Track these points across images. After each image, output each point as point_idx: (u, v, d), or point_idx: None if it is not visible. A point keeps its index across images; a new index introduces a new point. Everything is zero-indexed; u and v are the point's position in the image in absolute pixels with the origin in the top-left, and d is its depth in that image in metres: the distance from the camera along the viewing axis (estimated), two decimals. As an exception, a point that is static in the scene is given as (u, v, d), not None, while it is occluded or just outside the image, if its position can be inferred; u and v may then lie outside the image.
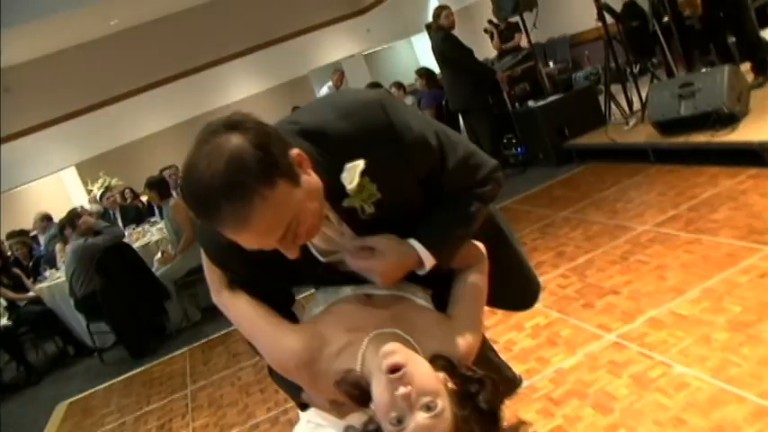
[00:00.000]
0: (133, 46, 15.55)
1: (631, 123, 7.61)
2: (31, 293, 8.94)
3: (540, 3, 8.59)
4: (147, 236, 8.96)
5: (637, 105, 7.90)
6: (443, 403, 1.55)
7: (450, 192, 1.91)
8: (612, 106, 8.18)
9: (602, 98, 8.33)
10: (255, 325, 1.87)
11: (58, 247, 9.01)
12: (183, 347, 6.98)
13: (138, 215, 11.26)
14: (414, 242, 1.85)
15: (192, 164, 1.50)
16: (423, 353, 1.69)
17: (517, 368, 3.27)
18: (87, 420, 6.05)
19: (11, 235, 11.21)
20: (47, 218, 10.81)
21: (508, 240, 2.45)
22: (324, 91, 13.60)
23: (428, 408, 1.52)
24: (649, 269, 4.47)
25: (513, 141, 8.98)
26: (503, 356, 3.31)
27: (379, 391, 1.57)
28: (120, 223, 10.63)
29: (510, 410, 3.35)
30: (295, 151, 1.57)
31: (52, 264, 9.31)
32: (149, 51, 15.74)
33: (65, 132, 15.55)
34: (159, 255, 8.03)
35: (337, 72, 13.37)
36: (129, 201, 12.31)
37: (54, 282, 8.44)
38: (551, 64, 12.16)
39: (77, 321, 8.11)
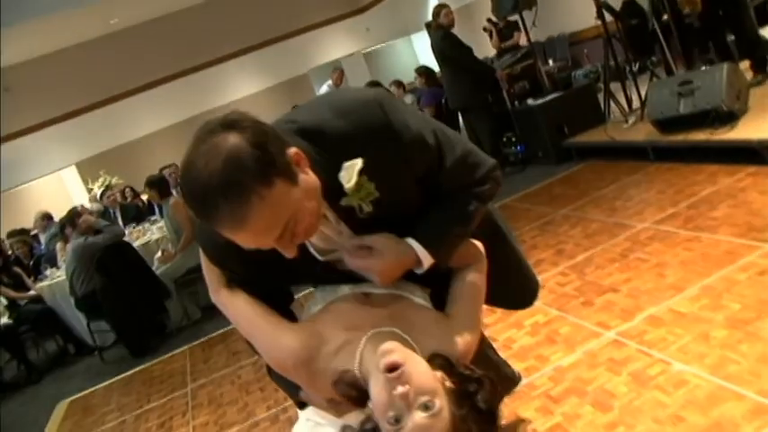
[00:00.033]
0: (133, 45, 15.54)
1: (631, 121, 7.61)
2: (31, 292, 8.95)
3: (540, 1, 8.60)
4: (147, 234, 8.97)
5: (636, 103, 7.90)
6: (441, 402, 1.55)
7: (448, 190, 1.91)
8: (612, 104, 8.19)
9: (601, 96, 8.34)
10: (254, 324, 1.88)
11: (58, 245, 9.02)
12: (183, 346, 6.99)
13: (138, 214, 11.26)
14: (412, 241, 1.85)
15: (190, 163, 1.50)
16: (421, 352, 1.69)
17: (516, 366, 3.27)
18: (88, 419, 6.05)
19: (12, 234, 11.23)
20: (47, 217, 10.82)
21: (507, 239, 2.45)
22: (323, 90, 13.60)
23: (426, 407, 1.52)
24: (648, 267, 4.47)
25: (513, 140, 8.98)
26: (502, 354, 3.31)
27: (376, 390, 1.57)
28: (121, 222, 10.63)
29: (509, 408, 3.36)
30: (293, 150, 1.57)
31: (53, 263, 9.32)
32: (149, 50, 15.73)
33: (65, 131, 15.55)
34: (159, 253, 8.03)
35: (337, 71, 13.37)
36: (129, 199, 12.31)
37: (54, 280, 8.45)
38: (551, 62, 12.17)
39: (78, 320, 8.13)
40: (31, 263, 10.26)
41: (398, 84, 11.90)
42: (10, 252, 10.53)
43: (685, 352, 3.37)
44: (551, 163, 8.27)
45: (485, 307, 2.16)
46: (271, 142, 1.52)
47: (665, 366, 3.32)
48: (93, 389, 6.84)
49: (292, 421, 2.12)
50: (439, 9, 8.61)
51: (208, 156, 1.47)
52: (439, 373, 1.63)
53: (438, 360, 1.68)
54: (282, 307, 2.00)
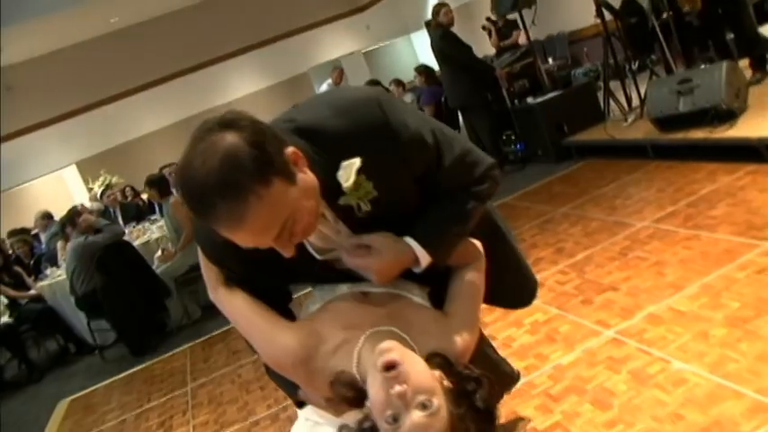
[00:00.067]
0: (133, 44, 15.54)
1: (630, 120, 7.61)
2: (32, 291, 8.95)
3: (539, 0, 8.60)
4: (147, 234, 8.97)
5: (636, 102, 7.89)
6: (439, 401, 1.55)
7: (446, 190, 1.91)
8: (611, 103, 8.19)
9: (600, 95, 8.35)
10: (252, 322, 1.88)
11: (59, 244, 9.03)
12: (183, 345, 7.00)
13: (138, 213, 11.26)
14: (409, 240, 1.85)
15: (188, 162, 1.50)
16: (419, 351, 1.70)
17: (516, 364, 3.26)
18: (88, 418, 6.06)
19: (12, 233, 11.24)
20: (48, 216, 10.82)
21: (505, 238, 2.45)
22: (323, 88, 13.57)
23: (424, 406, 1.52)
24: (648, 265, 4.48)
25: (513, 138, 8.98)
26: (502, 353, 3.31)
27: (374, 388, 1.57)
28: (121, 221, 10.63)
29: (509, 407, 3.37)
30: (291, 149, 1.57)
31: (53, 262, 9.33)
32: (150, 49, 15.73)
33: (65, 131, 15.57)
34: (159, 252, 8.04)
35: (337, 69, 13.36)
36: (129, 199, 12.32)
37: (55, 280, 8.45)
38: (550, 61, 12.16)
39: (78, 319, 8.13)
40: (32, 262, 10.27)
41: (398, 82, 11.91)
42: (10, 251, 10.55)
43: (684, 350, 3.37)
44: (551, 161, 8.28)
45: (484, 306, 2.17)
46: (268, 141, 1.52)
47: (665, 365, 3.32)
48: (93, 388, 6.84)
49: (292, 420, 2.12)
50: (438, 8, 8.61)
51: (205, 155, 1.47)
52: (437, 372, 1.63)
53: (436, 359, 1.68)
54: (281, 306, 1.99)
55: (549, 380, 3.61)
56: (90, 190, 14.22)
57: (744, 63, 7.08)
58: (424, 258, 1.86)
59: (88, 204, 12.10)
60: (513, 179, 8.17)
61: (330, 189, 1.69)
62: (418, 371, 1.57)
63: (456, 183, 1.92)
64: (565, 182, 7.39)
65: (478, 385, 1.65)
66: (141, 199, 12.18)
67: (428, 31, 9.19)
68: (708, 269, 4.09)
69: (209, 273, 1.97)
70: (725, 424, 2.77)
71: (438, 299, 1.97)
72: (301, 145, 1.64)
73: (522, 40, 9.94)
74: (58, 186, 16.56)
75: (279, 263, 1.68)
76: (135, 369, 6.88)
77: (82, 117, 15.69)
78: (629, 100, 8.09)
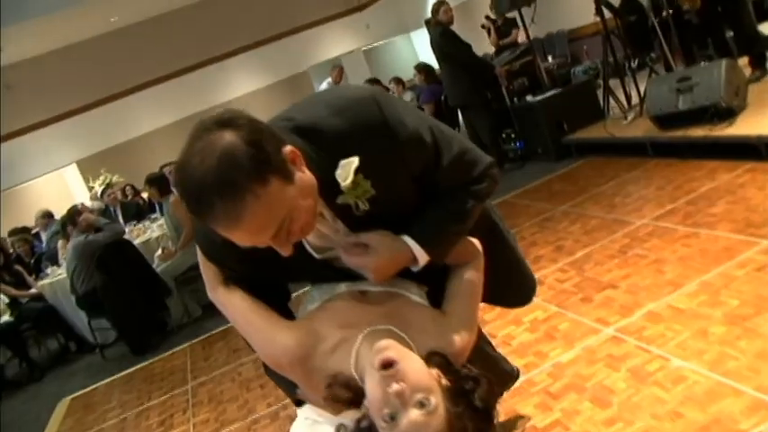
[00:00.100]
0: (133, 43, 15.53)
1: (630, 118, 7.61)
2: (32, 290, 8.96)
3: (539, -2, 8.60)
4: (147, 232, 8.97)
5: (635, 100, 7.89)
6: (437, 400, 1.55)
7: (445, 188, 1.91)
8: (611, 101, 8.19)
9: (600, 93, 8.35)
10: (250, 321, 1.88)
11: (60, 243, 9.04)
12: (183, 343, 7.01)
13: (138, 212, 11.26)
14: (407, 239, 1.85)
15: (185, 161, 1.50)
16: (417, 349, 1.70)
17: (515, 362, 3.27)
18: (89, 416, 6.07)
19: (13, 232, 11.27)
20: (48, 215, 10.84)
21: (504, 237, 2.45)
22: (323, 87, 13.56)
23: (421, 404, 1.53)
24: (647, 263, 4.48)
25: (512, 136, 8.98)
26: (501, 351, 3.32)
27: (372, 387, 1.58)
28: (121, 220, 10.64)
29: (508, 405, 3.37)
30: (288, 148, 1.56)
31: (54, 261, 9.34)
32: (150, 48, 15.72)
33: (66, 130, 15.56)
34: (160, 251, 8.04)
35: (336, 68, 13.33)
36: (129, 197, 12.31)
37: (56, 278, 8.46)
38: (550, 59, 12.14)
39: (79, 318, 8.14)
40: (33, 261, 10.29)
41: (398, 81, 11.92)
42: (11, 250, 10.55)
43: (684, 348, 3.37)
44: (551, 159, 8.28)
45: (483, 304, 2.17)
46: (266, 140, 1.52)
47: (664, 362, 3.32)
48: (94, 386, 6.86)
49: (292, 418, 2.12)
50: (438, 6, 8.60)
51: (203, 154, 1.47)
52: (435, 371, 1.63)
53: (435, 358, 1.69)
54: (280, 304, 2.00)
55: (549, 378, 3.61)
56: (90, 189, 14.22)
57: (743, 61, 7.08)
58: (422, 257, 1.86)
59: (88, 203, 12.10)
60: (513, 177, 8.17)
61: (328, 188, 1.69)
62: (416, 369, 1.58)
63: (454, 181, 1.91)
64: (564, 180, 7.40)
65: (477, 384, 1.66)
66: (141, 198, 12.17)
67: (428, 30, 9.18)
68: (707, 267, 4.09)
69: (207, 272, 1.98)
70: (724, 421, 2.77)
71: (436, 297, 1.97)
72: (299, 144, 1.64)
73: (521, 38, 9.95)
74: (59, 185, 16.57)
75: (277, 262, 1.68)
76: (135, 367, 6.89)
77: (82, 116, 15.68)
78: (628, 98, 8.09)
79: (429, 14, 9.08)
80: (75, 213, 7.70)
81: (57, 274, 8.56)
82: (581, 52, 12.35)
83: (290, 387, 1.95)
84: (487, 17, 10.62)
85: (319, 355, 1.75)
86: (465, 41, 8.65)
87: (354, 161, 1.68)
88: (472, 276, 2.00)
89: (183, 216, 7.56)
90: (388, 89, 11.41)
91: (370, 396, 1.59)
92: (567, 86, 8.74)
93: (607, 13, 7.85)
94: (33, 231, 11.95)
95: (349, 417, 1.67)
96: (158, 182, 8.13)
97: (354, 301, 1.86)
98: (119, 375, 6.87)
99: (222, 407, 5.04)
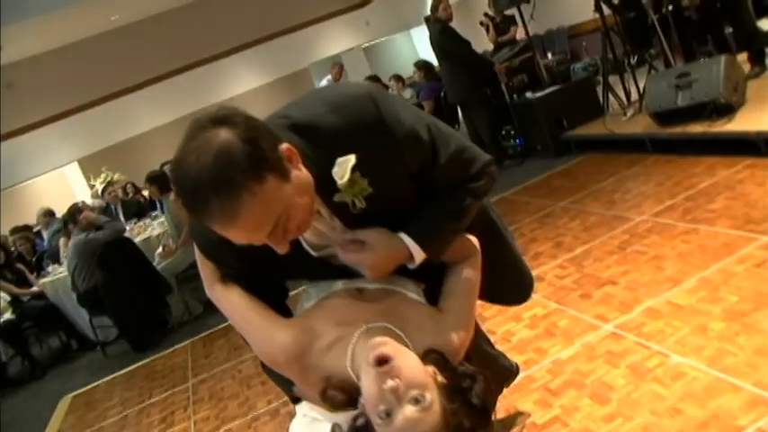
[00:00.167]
0: (134, 41, 15.51)
1: (629, 114, 7.61)
2: (34, 288, 8.99)
3: (539, -5, 8.60)
4: (148, 230, 8.99)
5: (634, 96, 7.88)
6: (432, 396, 1.56)
7: (442, 186, 1.91)
8: (610, 97, 8.18)
9: (599, 89, 8.35)
10: (247, 319, 1.88)
11: (61, 241, 9.06)
12: (184, 341, 7.02)
13: (139, 210, 11.29)
14: (404, 236, 1.85)
15: (182, 158, 1.50)
16: (414, 347, 1.70)
17: (515, 359, 3.27)
18: (90, 414, 6.08)
19: (14, 230, 11.28)
20: (49, 213, 10.86)
21: (502, 235, 2.44)
22: (323, 84, 13.58)
23: (416, 401, 1.54)
24: (646, 259, 4.49)
25: (512, 133, 8.98)
26: (501, 347, 3.32)
27: (367, 384, 1.59)
28: (122, 218, 10.66)
29: (508, 401, 3.38)
30: (284, 146, 1.56)
31: (55, 259, 9.36)
32: (150, 47, 15.70)
33: (67, 128, 15.56)
34: (160, 249, 8.06)
35: (336, 65, 13.35)
36: (130, 196, 12.31)
37: (57, 276, 8.48)
38: (549, 55, 12.15)
39: (80, 316, 8.16)
40: (34, 259, 10.32)
41: (398, 78, 11.94)
42: (13, 248, 10.57)
43: (683, 344, 3.38)
44: (550, 156, 8.28)
45: (483, 301, 2.18)
46: (262, 138, 1.52)
47: (663, 359, 3.33)
48: (95, 384, 6.87)
49: (292, 415, 2.13)
50: (437, 3, 8.59)
51: (199, 151, 1.47)
52: (431, 368, 1.64)
53: (432, 355, 1.69)
54: (277, 302, 2.00)
55: (548, 374, 3.62)
56: (91, 187, 14.24)
57: (742, 57, 7.07)
58: (419, 254, 1.86)
59: (89, 201, 12.12)
60: (513, 174, 8.18)
61: (325, 185, 1.69)
62: (411, 366, 1.58)
63: (452, 179, 1.91)
64: (564, 176, 7.40)
65: (474, 381, 1.66)
66: (142, 196, 12.18)
67: (427, 27, 9.18)
68: (706, 263, 4.10)
69: (205, 269, 1.98)
70: (723, 417, 2.78)
71: (434, 295, 1.98)
72: (296, 141, 1.64)
73: (519, 35, 9.95)
74: (60, 184, 16.58)
75: (274, 259, 1.67)
76: (136, 365, 6.91)
77: (83, 114, 15.67)
78: (627, 94, 8.08)
79: (429, 12, 9.07)
80: (75, 212, 7.71)
81: (58, 272, 8.58)
82: (580, 49, 12.37)
83: (286, 384, 1.95)
84: (486, 14, 10.61)
85: (316, 353, 1.76)
86: (464, 38, 8.65)
87: (351, 159, 1.68)
88: (469, 274, 2.00)
89: (184, 214, 7.55)
90: (387, 86, 11.43)
91: (365, 393, 1.60)
92: (566, 83, 8.74)
93: (606, 10, 7.84)
94: (35, 230, 11.99)
95: (346, 416, 1.68)
96: (159, 180, 8.13)
97: (351, 298, 1.87)
98: (120, 373, 6.88)
99: (223, 404, 5.05)
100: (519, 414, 3.34)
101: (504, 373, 2.98)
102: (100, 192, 12.87)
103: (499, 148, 8.73)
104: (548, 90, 8.50)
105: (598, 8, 7.77)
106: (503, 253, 2.40)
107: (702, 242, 4.39)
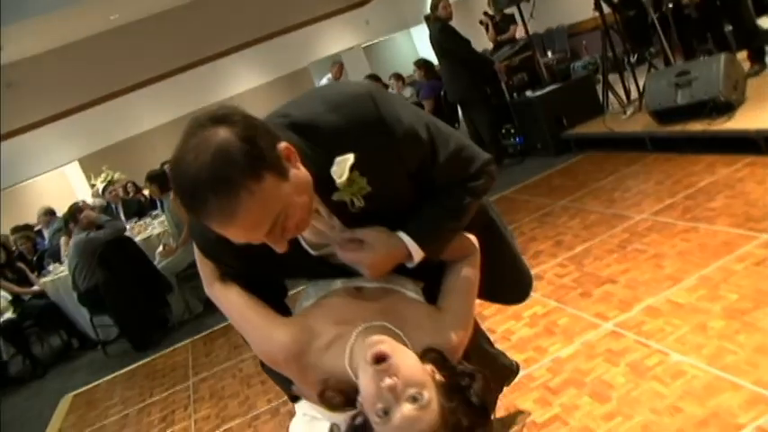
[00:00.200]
0: (134, 41, 15.52)
1: (629, 112, 7.61)
2: (35, 287, 9.00)
3: (539, -7, 8.60)
4: (148, 229, 8.99)
5: (634, 94, 7.89)
6: (430, 394, 1.56)
7: (441, 185, 1.90)
8: (610, 95, 8.19)
9: (599, 88, 8.36)
10: (246, 318, 1.89)
11: (62, 240, 9.05)
12: (185, 339, 7.02)
13: (140, 209, 11.30)
14: (402, 235, 1.85)
15: (180, 157, 1.50)
16: (413, 345, 1.70)
17: (515, 357, 3.27)
18: (91, 412, 6.09)
19: (15, 230, 11.30)
20: (50, 212, 10.87)
21: (501, 234, 2.44)
22: (323, 83, 13.59)
23: (414, 399, 1.54)
24: (646, 258, 4.49)
25: (512, 131, 8.97)
26: (500, 346, 3.33)
27: (365, 382, 1.59)
28: (123, 217, 10.67)
29: (507, 400, 3.38)
30: (283, 145, 1.56)
31: (56, 258, 9.36)
32: (150, 46, 15.71)
33: (67, 127, 15.58)
34: (161, 248, 8.06)
35: (336, 64, 13.34)
36: (131, 195, 12.33)
37: (58, 276, 8.48)
38: (549, 54, 12.15)
39: (81, 315, 8.17)
40: (35, 258, 10.32)
41: (398, 77, 11.94)
42: (14, 248, 10.58)
43: (683, 342, 3.38)
44: (550, 154, 8.28)
45: (482, 300, 2.18)
46: (260, 136, 1.52)
47: (663, 357, 3.33)
48: (96, 383, 6.88)
49: (293, 414, 2.13)
50: (437, 2, 8.58)
51: (197, 150, 1.47)
52: (429, 367, 1.64)
53: (431, 354, 1.69)
54: (276, 301, 2.01)
55: (548, 373, 3.62)
56: (92, 186, 14.26)
57: (742, 55, 7.07)
58: (417, 253, 1.86)
59: (90, 201, 12.13)
60: (513, 172, 8.18)
61: (324, 184, 1.69)
62: (408, 364, 1.58)
63: (451, 178, 1.91)
64: (564, 175, 7.40)
65: (472, 380, 1.66)
66: (143, 195, 12.18)
67: (427, 26, 9.19)
68: (706, 261, 4.10)
69: (204, 268, 1.98)
70: (723, 416, 2.78)
71: (432, 293, 1.98)
72: (295, 140, 1.64)
73: (519, 34, 9.95)
74: (61, 183, 16.59)
75: (273, 258, 1.68)
76: (137, 364, 6.91)
77: (83, 114, 15.69)
78: (627, 93, 8.09)
79: (428, 10, 9.08)
80: (76, 211, 7.71)
81: (59, 272, 8.58)
82: (580, 47, 12.37)
83: (285, 383, 1.95)
84: (486, 13, 10.62)
85: (314, 352, 1.76)
86: (464, 37, 8.65)
87: (350, 158, 1.68)
88: (468, 273, 2.00)
89: (184, 213, 7.52)
90: (387, 85, 11.43)
91: (363, 391, 1.60)
92: (566, 81, 8.72)
93: (606, 8, 7.85)
94: (36, 229, 12.00)
95: (344, 416, 1.69)
96: (159, 179, 8.13)
97: (350, 297, 1.87)
98: (121, 372, 6.89)
99: (223, 403, 5.05)
100: (519, 413, 3.34)
101: (504, 371, 2.98)
102: (100, 191, 12.88)
103: (499, 146, 8.73)
104: (547, 89, 8.50)
105: (598, 6, 7.78)
106: (502, 252, 2.40)
107: (702, 240, 4.39)
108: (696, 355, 3.23)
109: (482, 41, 11.12)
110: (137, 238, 8.34)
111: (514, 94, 8.99)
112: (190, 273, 7.67)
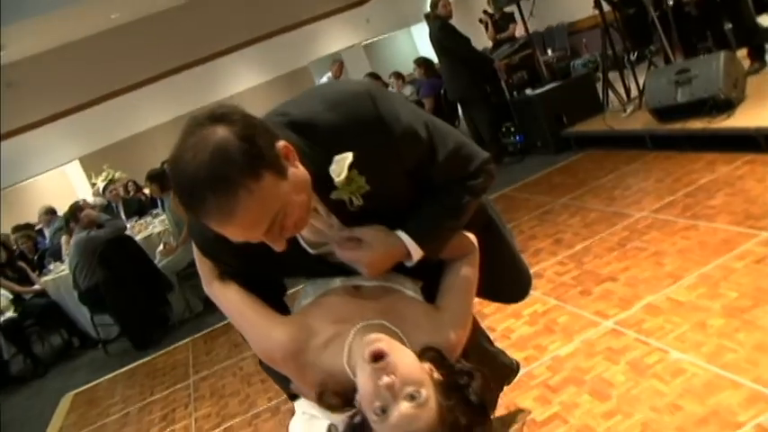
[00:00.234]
0: (134, 40, 15.51)
1: (629, 110, 7.60)
2: (36, 286, 9.00)
3: (539, -8, 8.60)
4: (149, 228, 8.99)
5: (634, 92, 7.89)
6: (428, 393, 1.56)
7: (440, 184, 1.90)
8: (610, 93, 8.19)
9: (599, 86, 8.35)
10: (244, 316, 1.89)
11: (63, 239, 9.06)
12: (185, 338, 7.03)
13: (140, 208, 11.30)
14: (401, 233, 1.85)
15: (178, 156, 1.50)
16: (411, 344, 1.70)
17: (515, 356, 3.26)
18: (92, 411, 6.09)
19: (16, 229, 11.30)
20: (51, 211, 10.88)
21: (500, 232, 2.43)
22: (323, 81, 13.58)
23: (412, 397, 1.54)
24: (646, 255, 4.48)
25: (512, 130, 8.97)
26: (500, 344, 3.33)
27: (363, 380, 1.59)
28: (123, 216, 10.66)
29: (507, 398, 3.37)
30: (282, 143, 1.56)
31: (57, 257, 9.37)
32: (151, 45, 15.71)
33: (68, 127, 15.59)
34: (161, 247, 8.07)
35: (337, 63, 13.33)
36: (131, 194, 12.33)
37: (59, 274, 8.49)
38: (549, 52, 12.15)
39: (82, 313, 8.17)
40: (36, 257, 10.33)
41: (398, 75, 11.93)
42: (15, 247, 10.58)
43: (683, 340, 3.37)
44: (550, 152, 8.27)
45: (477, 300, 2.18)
46: (259, 135, 1.52)
47: (663, 355, 3.32)
48: (97, 381, 6.88)
49: (293, 412, 2.13)
50: (437, 0, 8.61)
51: (196, 148, 1.47)
52: (427, 365, 1.64)
53: (429, 353, 1.69)
54: (275, 299, 2.01)
55: (548, 371, 3.61)
56: (93, 185, 14.26)
57: (742, 53, 7.07)
58: (416, 252, 1.86)
59: (91, 200, 12.14)
60: (513, 171, 8.18)
61: (322, 183, 1.69)
62: (406, 363, 1.58)
63: (450, 177, 1.91)
64: (564, 173, 7.40)
65: (471, 378, 1.66)
66: (143, 194, 12.18)
67: (427, 24, 9.18)
68: (706, 259, 4.09)
69: (203, 267, 1.98)
70: (723, 414, 2.77)
71: (431, 292, 1.97)
72: (293, 139, 1.64)
73: (518, 32, 9.94)
74: (62, 182, 16.59)
75: (271, 257, 1.67)
76: (138, 363, 6.92)
77: (84, 113, 15.70)
78: (627, 91, 8.09)
79: (428, 9, 9.07)
80: (77, 210, 7.72)
81: (60, 271, 8.58)
82: (580, 45, 12.35)
83: (284, 381, 1.96)
84: (485, 11, 10.62)
85: (312, 350, 1.76)
86: (464, 35, 8.65)
87: (348, 157, 1.68)
88: (467, 271, 2.00)
89: (184, 212, 7.56)
90: (387, 84, 11.43)
91: (361, 390, 1.60)
92: (566, 80, 8.72)
93: (606, 6, 7.85)
94: (36, 228, 12.00)
95: (343, 416, 1.69)
96: (159, 178, 8.13)
97: (348, 296, 1.87)
98: (121, 370, 6.89)
99: (224, 401, 5.05)
100: (519, 411, 3.33)
101: (504, 370, 2.98)
102: (101, 190, 12.89)
103: (499, 144, 8.73)
104: (547, 87, 8.50)
105: (598, 5, 7.78)
106: (501, 251, 2.40)
107: (702, 238, 4.39)
108: (696, 353, 3.23)
109: (482, 40, 11.12)
110: (137, 237, 8.34)
111: (514, 93, 8.99)
112: (190, 271, 7.66)
